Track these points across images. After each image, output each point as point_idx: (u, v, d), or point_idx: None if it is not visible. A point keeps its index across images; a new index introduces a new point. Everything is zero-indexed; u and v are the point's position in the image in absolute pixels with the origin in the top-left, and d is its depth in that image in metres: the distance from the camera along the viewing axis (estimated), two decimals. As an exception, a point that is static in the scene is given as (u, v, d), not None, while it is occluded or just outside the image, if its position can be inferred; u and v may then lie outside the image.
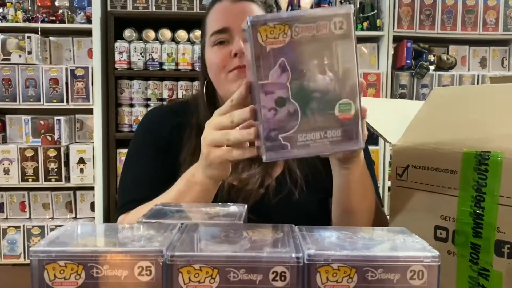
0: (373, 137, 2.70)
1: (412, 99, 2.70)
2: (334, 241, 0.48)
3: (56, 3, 2.70)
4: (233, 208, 0.65)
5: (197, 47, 2.64)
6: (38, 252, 0.44)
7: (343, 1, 2.78)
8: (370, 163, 1.05)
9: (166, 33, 2.67)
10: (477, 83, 2.74)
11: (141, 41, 2.66)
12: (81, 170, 2.66)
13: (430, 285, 0.44)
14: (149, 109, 2.67)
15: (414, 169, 0.72)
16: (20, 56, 2.61)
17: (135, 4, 2.64)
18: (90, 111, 2.67)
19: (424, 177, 0.71)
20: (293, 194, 0.96)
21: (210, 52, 0.98)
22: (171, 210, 0.64)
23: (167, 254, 0.43)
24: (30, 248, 0.44)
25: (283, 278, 0.43)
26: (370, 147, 2.65)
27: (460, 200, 0.66)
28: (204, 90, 1.03)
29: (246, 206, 0.65)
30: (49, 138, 2.62)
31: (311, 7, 2.75)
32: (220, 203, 0.71)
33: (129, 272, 0.43)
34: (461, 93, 0.78)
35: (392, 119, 0.82)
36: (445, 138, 0.70)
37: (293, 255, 0.43)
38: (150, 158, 1.01)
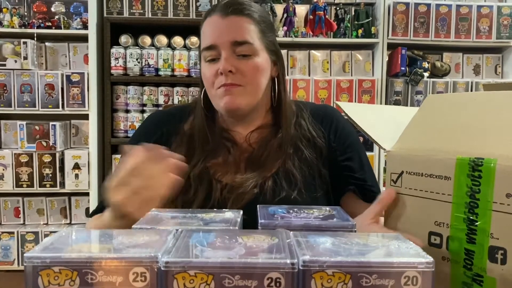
0: (368, 143, 2.70)
1: (406, 105, 2.72)
2: (329, 247, 0.48)
3: (52, 9, 2.70)
4: (228, 214, 0.65)
5: (193, 53, 2.65)
6: (33, 258, 0.43)
7: (338, 8, 2.80)
8: (369, 167, 1.08)
9: (162, 39, 2.68)
10: (471, 90, 2.76)
11: (137, 47, 2.66)
12: (76, 176, 2.65)
13: (424, 291, 0.44)
14: (144, 114, 2.68)
15: (408, 175, 0.73)
16: (15, 61, 2.61)
17: (132, 10, 2.65)
18: (85, 117, 2.66)
19: (418, 183, 0.71)
20: (288, 194, 0.96)
21: (203, 66, 1.02)
22: (166, 216, 0.64)
23: (162, 260, 0.43)
24: (25, 254, 0.44)
25: (278, 284, 0.43)
26: (365, 153, 2.66)
27: (454, 206, 0.66)
28: (202, 95, 1.06)
29: (241, 212, 0.65)
30: (44, 143, 2.60)
31: (306, 14, 2.76)
32: (215, 209, 0.71)
33: (124, 278, 0.43)
34: (455, 100, 0.79)
35: (387, 125, 0.83)
36: (439, 144, 0.70)
37: (288, 261, 0.43)
38: None
